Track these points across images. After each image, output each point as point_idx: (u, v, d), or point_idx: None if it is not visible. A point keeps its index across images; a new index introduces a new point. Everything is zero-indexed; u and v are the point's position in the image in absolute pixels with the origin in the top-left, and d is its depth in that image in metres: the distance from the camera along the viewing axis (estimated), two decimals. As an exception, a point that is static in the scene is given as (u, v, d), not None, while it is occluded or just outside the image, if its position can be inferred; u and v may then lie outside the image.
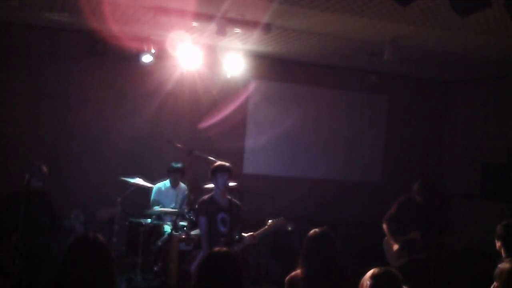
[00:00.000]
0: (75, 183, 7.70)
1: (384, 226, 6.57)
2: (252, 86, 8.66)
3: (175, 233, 6.77)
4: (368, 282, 2.99)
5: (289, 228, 7.45)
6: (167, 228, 7.03)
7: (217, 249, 3.30)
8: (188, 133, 8.25)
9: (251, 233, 5.64)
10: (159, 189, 7.46)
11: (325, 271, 3.69)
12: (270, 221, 5.78)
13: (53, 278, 2.74)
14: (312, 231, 3.87)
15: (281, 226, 5.84)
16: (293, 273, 3.83)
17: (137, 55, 7.64)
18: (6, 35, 7.47)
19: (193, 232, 6.57)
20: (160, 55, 7.65)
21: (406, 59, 7.69)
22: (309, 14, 5.63)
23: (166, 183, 7.52)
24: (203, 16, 6.05)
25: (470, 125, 9.23)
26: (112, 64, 7.85)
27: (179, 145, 7.42)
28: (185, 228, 6.87)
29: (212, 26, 6.14)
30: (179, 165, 7.43)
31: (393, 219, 6.55)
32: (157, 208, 7.13)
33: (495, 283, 3.47)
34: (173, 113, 8.28)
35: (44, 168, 5.59)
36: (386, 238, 6.58)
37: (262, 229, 5.73)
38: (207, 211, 5.68)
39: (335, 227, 7.75)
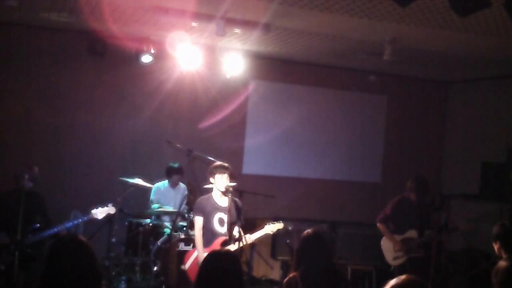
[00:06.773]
0: (74, 183, 7.70)
1: (380, 226, 6.59)
2: (251, 86, 8.65)
3: (174, 233, 6.77)
4: None
5: (289, 228, 7.45)
6: (167, 228, 7.03)
7: (217, 249, 3.30)
8: (187, 133, 8.25)
9: (249, 234, 5.64)
10: (158, 189, 7.45)
11: (320, 271, 3.69)
12: (268, 224, 5.78)
13: (40, 280, 2.73)
14: (305, 232, 3.86)
15: (280, 230, 5.84)
16: (291, 275, 3.83)
17: (136, 55, 7.64)
18: (5, 35, 7.48)
19: (192, 232, 6.57)
20: (160, 55, 7.65)
21: (406, 59, 7.68)
22: (309, 14, 5.63)
23: (165, 183, 7.51)
24: (203, 16, 6.05)
25: (470, 125, 9.22)
26: (112, 64, 7.85)
27: (178, 145, 7.43)
28: (184, 228, 6.88)
29: (212, 26, 6.14)
30: (176, 165, 7.43)
31: (388, 219, 6.58)
32: (156, 208, 7.12)
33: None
34: (172, 113, 8.28)
35: (35, 169, 5.65)
36: (383, 237, 6.60)
37: (259, 231, 5.73)
38: (204, 210, 5.68)
39: (335, 227, 7.78)
